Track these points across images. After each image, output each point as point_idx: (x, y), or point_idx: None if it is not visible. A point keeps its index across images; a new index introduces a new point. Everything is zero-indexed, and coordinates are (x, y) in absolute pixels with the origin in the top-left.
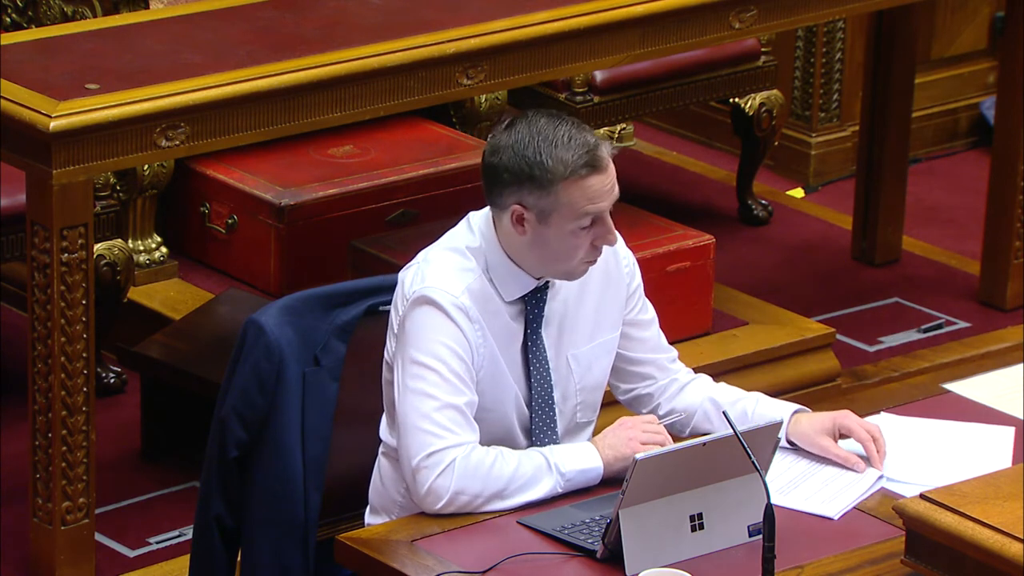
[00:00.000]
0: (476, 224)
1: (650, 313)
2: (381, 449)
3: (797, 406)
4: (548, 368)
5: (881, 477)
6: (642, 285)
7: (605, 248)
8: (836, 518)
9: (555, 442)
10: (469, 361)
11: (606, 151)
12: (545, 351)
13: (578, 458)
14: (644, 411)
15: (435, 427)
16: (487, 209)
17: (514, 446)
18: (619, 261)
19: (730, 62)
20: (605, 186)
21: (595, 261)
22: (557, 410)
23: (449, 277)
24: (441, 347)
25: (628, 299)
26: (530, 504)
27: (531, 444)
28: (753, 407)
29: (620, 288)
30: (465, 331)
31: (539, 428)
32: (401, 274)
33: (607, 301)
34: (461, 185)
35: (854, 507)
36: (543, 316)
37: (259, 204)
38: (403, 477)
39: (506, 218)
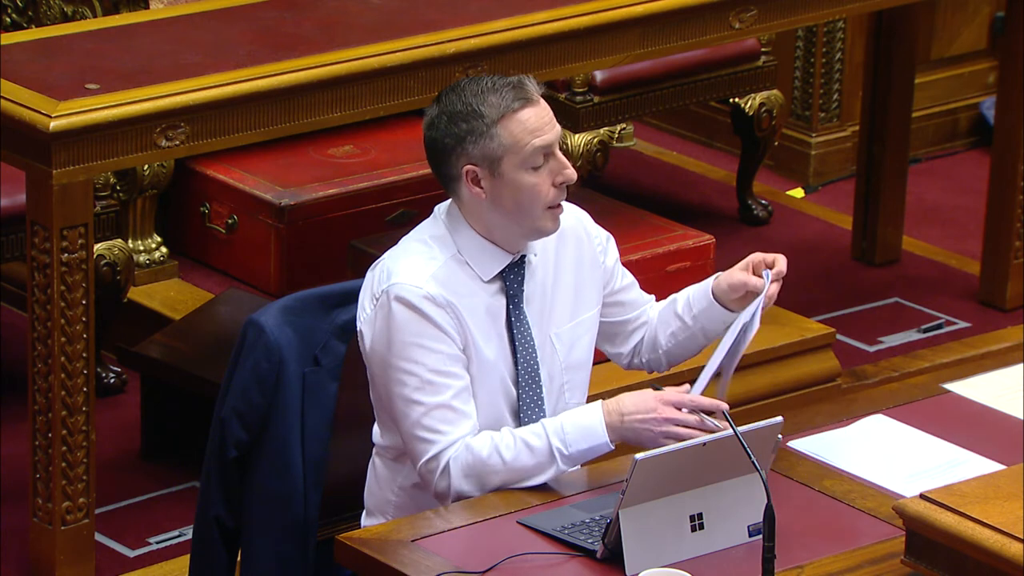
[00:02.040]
0: (440, 213)
1: (629, 277)
2: (375, 450)
3: (717, 274)
4: (533, 344)
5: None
6: (619, 258)
7: (576, 227)
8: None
9: None
10: (447, 349)
11: (532, 86)
12: (529, 326)
13: (585, 437)
14: (646, 359)
15: (426, 432)
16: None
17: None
18: (591, 240)
19: (730, 62)
20: (543, 118)
21: (560, 207)
22: (544, 389)
23: (411, 269)
24: (415, 348)
25: (609, 277)
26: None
27: (519, 425)
28: (687, 294)
29: (596, 268)
30: (436, 319)
31: (527, 406)
32: (368, 273)
33: (584, 280)
34: None
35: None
36: (523, 290)
37: (259, 204)
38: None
39: (464, 189)
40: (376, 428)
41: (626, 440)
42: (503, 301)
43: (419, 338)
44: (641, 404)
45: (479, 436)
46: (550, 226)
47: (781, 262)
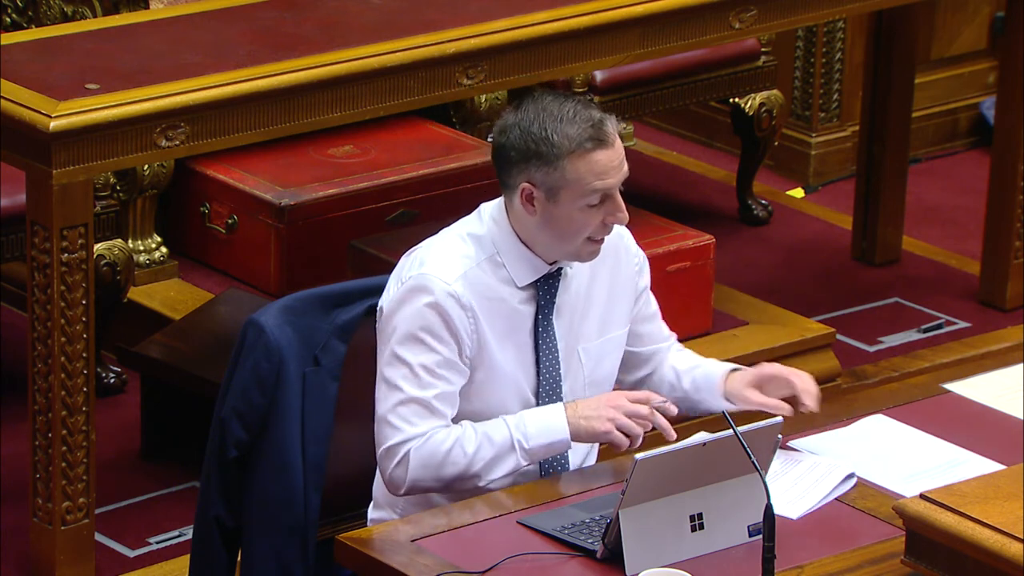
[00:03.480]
0: (486, 212)
1: (654, 306)
2: None
3: (733, 365)
4: (558, 357)
5: (852, 475)
6: (649, 285)
7: (617, 243)
8: (795, 519)
9: None
10: (447, 353)
11: (612, 127)
12: (556, 339)
13: (545, 432)
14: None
15: (397, 420)
16: (500, 198)
17: None
18: (630, 259)
19: (730, 62)
20: (612, 162)
21: (603, 240)
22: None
23: (444, 263)
24: (417, 342)
25: (637, 298)
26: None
27: None
28: (702, 370)
29: (629, 287)
30: (453, 318)
31: None
32: (403, 258)
33: (616, 297)
34: (461, 185)
35: (842, 503)
36: (555, 302)
37: (259, 204)
38: None
39: (517, 199)
40: None
41: (577, 432)
42: (532, 309)
43: (425, 334)
44: (599, 400)
45: (441, 430)
46: (587, 257)
47: (809, 398)
